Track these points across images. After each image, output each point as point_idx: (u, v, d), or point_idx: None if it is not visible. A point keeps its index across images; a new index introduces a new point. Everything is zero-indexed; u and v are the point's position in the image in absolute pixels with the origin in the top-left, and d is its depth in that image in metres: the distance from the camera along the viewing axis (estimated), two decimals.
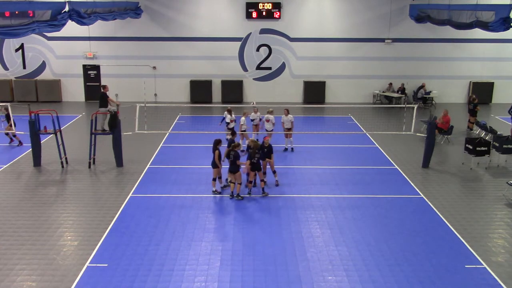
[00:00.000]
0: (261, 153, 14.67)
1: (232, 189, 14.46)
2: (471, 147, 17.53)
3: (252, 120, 19.49)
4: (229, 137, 19.35)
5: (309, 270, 10.64)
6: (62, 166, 17.18)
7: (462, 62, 28.49)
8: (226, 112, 19.53)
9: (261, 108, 20.22)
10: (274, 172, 15.51)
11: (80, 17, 19.01)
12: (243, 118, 18.71)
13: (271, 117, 18.92)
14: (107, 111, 17.34)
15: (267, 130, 18.96)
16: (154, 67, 28.10)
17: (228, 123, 19.41)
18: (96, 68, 28.15)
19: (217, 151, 14.45)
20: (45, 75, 28.20)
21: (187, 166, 17.28)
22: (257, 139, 19.59)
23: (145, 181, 15.88)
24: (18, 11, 17.47)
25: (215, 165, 14.61)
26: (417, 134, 19.63)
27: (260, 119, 19.75)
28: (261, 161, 14.70)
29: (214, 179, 14.82)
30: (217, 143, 14.54)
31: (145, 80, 27.32)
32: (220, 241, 11.92)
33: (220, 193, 14.76)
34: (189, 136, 20.67)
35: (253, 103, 21.00)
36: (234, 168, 14.25)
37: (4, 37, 20.37)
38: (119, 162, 17.22)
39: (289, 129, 18.75)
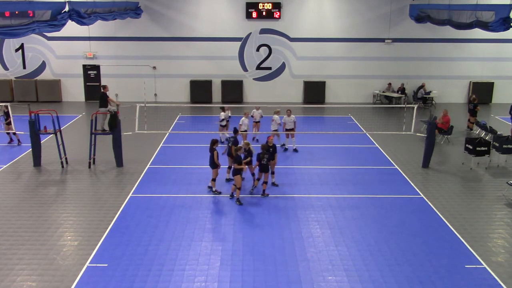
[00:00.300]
0: (269, 154, 14.60)
1: (233, 190, 14.45)
2: (471, 147, 17.53)
3: (252, 116, 19.63)
4: (221, 134, 19.54)
5: (309, 270, 10.64)
6: (62, 166, 17.18)
7: (462, 62, 28.49)
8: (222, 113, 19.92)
9: (262, 108, 20.28)
10: (272, 173, 15.48)
11: (80, 17, 19.01)
12: (243, 118, 18.64)
13: (276, 117, 18.85)
14: (107, 111, 17.33)
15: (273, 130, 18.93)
16: (154, 67, 28.10)
17: (221, 120, 19.72)
18: (96, 68, 28.15)
19: (215, 151, 14.42)
20: (45, 75, 28.21)
21: (187, 166, 17.28)
22: (257, 139, 19.72)
23: (145, 181, 15.88)
24: (18, 11, 17.47)
25: (213, 165, 14.59)
26: (417, 134, 19.64)
27: (261, 117, 19.89)
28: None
29: (213, 180, 14.81)
30: (214, 143, 14.49)
31: (145, 80, 27.33)
32: (220, 241, 11.92)
33: (220, 193, 14.75)
34: (189, 136, 20.67)
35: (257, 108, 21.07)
36: (233, 171, 14.16)
37: (4, 37, 20.37)
38: (119, 162, 17.22)
39: (291, 130, 18.71)
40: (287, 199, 14.52)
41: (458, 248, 11.69)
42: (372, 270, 10.67)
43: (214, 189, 14.81)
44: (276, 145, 16.14)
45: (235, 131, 16.33)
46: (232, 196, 14.40)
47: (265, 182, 14.74)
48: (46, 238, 12.01)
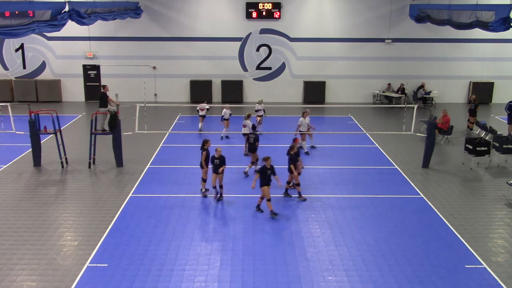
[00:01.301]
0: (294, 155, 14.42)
1: (259, 202, 13.62)
2: (471, 147, 17.53)
3: (257, 111, 19.93)
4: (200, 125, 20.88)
5: (309, 270, 10.64)
6: (62, 166, 17.18)
7: (462, 62, 28.49)
8: (224, 110, 20.54)
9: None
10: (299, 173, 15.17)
11: (80, 17, 19.02)
12: (247, 121, 18.45)
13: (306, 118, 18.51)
14: (107, 111, 17.33)
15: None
16: (154, 67, 28.10)
17: (198, 111, 21.01)
18: (96, 68, 28.15)
19: (204, 152, 14.28)
20: (45, 75, 28.20)
21: (187, 166, 17.27)
22: (258, 130, 19.88)
23: (145, 181, 15.87)
24: (18, 11, 17.48)
25: (202, 165, 14.49)
26: (417, 134, 19.63)
27: (264, 111, 20.22)
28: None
29: (203, 180, 14.68)
30: (204, 143, 14.37)
31: (145, 80, 27.32)
32: (220, 241, 11.92)
33: (208, 192, 14.55)
34: (189, 136, 20.67)
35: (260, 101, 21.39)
36: (261, 182, 13.27)
37: (4, 37, 20.38)
38: (119, 162, 17.22)
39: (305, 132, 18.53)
40: (287, 199, 14.51)
41: (458, 248, 11.69)
42: (372, 270, 10.67)
43: (203, 189, 14.64)
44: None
45: (254, 127, 16.83)
46: (258, 207, 13.64)
47: (294, 185, 14.47)
48: (46, 238, 12.01)
